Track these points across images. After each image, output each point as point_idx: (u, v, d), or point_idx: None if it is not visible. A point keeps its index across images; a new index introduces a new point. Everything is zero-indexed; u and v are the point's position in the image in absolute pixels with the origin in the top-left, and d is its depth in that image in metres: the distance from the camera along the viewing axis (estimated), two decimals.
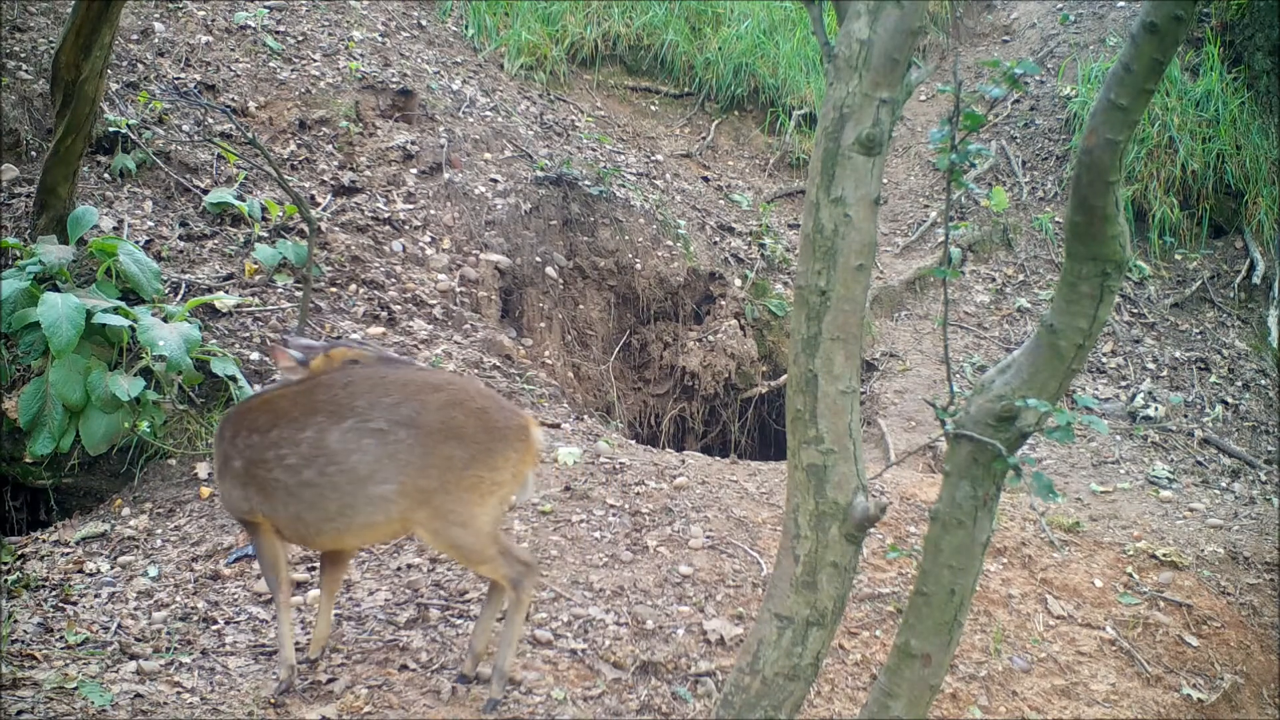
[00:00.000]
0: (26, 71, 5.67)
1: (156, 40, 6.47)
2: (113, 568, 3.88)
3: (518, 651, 3.45)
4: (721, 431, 7.38)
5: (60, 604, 3.61)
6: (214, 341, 4.90)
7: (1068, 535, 4.94)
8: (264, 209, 5.75)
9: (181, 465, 4.58)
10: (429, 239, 6.24)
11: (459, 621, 3.60)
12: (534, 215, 6.73)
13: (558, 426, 5.38)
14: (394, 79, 7.08)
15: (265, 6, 7.24)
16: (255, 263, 5.43)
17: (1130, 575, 4.69)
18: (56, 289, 4.56)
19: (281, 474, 2.98)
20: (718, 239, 7.61)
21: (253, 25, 6.97)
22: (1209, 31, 8.99)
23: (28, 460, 4.40)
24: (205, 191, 5.74)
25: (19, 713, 2.92)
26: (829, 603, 2.34)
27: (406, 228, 6.21)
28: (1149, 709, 4.01)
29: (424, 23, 8.23)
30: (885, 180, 8.32)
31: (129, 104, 5.92)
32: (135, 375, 4.47)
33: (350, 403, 2.99)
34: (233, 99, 6.34)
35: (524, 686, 3.29)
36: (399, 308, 5.66)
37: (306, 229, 5.16)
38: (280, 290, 5.42)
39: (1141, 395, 7.11)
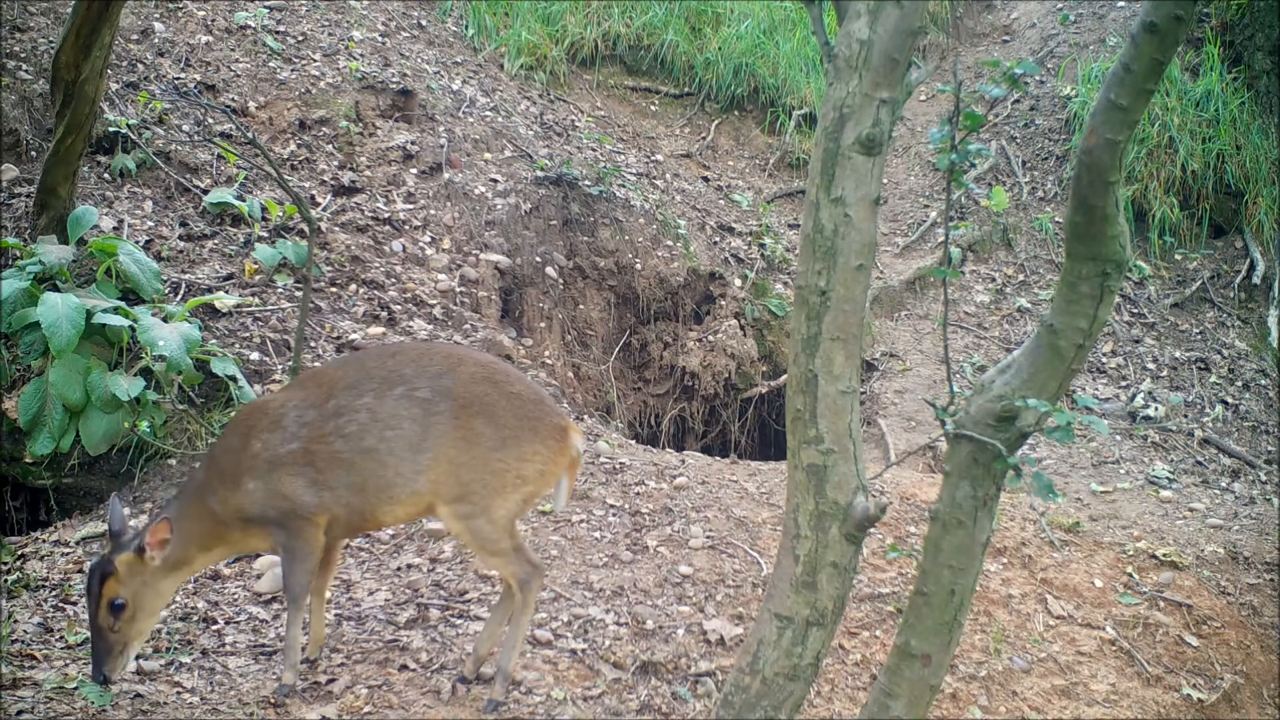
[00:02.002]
0: (26, 71, 5.67)
1: (156, 40, 6.47)
2: None
3: (498, 643, 3.46)
4: (721, 431, 7.38)
5: (60, 604, 3.61)
6: (214, 341, 4.90)
7: (1068, 535, 4.94)
8: (264, 209, 5.75)
9: (181, 465, 4.58)
10: (429, 239, 6.24)
11: (459, 621, 3.61)
12: (534, 215, 6.73)
13: None
14: (394, 79, 7.08)
15: (265, 6, 7.24)
16: (255, 263, 5.43)
17: (1130, 575, 4.69)
18: (56, 289, 4.56)
19: (342, 444, 2.98)
20: (718, 239, 7.61)
21: (253, 25, 6.97)
22: (1209, 31, 8.99)
23: (28, 460, 4.40)
24: (205, 191, 5.74)
25: (19, 713, 2.92)
26: (829, 603, 2.34)
27: (406, 228, 6.21)
28: (1149, 709, 4.01)
29: (424, 23, 8.23)
30: (885, 180, 8.33)
31: (129, 104, 5.92)
32: (135, 375, 4.47)
33: (399, 370, 3.03)
34: (233, 99, 6.34)
35: (524, 686, 3.29)
36: (399, 308, 5.66)
37: (306, 229, 5.16)
38: (280, 290, 5.42)
39: (1141, 395, 7.11)
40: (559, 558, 4.05)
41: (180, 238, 5.45)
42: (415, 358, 3.09)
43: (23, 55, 5.76)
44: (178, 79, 6.26)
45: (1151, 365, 7.46)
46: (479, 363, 3.12)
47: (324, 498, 3.01)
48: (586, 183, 7.01)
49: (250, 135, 5.43)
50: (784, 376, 6.90)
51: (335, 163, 6.41)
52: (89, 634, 2.97)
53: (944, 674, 2.37)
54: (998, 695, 3.86)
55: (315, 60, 6.98)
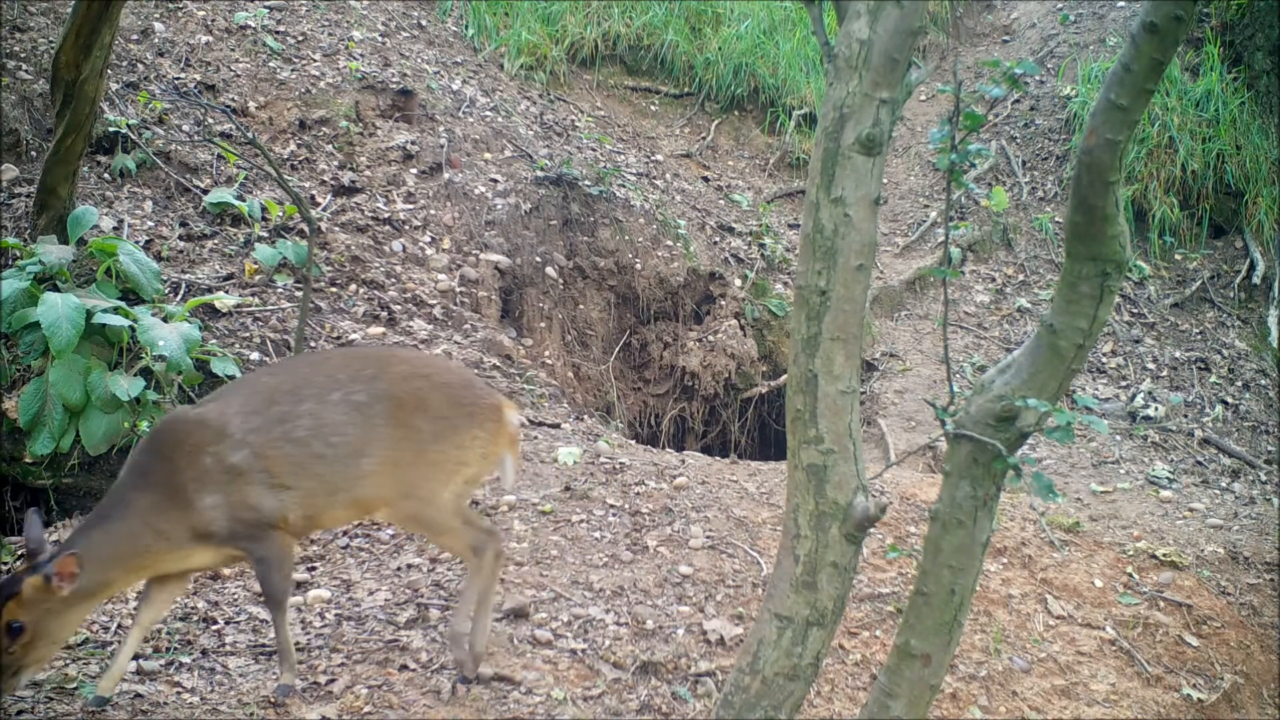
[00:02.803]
0: (26, 71, 5.67)
1: (156, 40, 6.47)
2: None
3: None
4: (721, 431, 7.38)
5: None
6: (214, 341, 4.90)
7: (1068, 535, 4.94)
8: (264, 209, 5.75)
9: None
10: (429, 239, 6.24)
11: None
12: (534, 215, 6.73)
13: (558, 426, 5.38)
14: (394, 79, 7.07)
15: (265, 6, 7.24)
16: (255, 263, 5.43)
17: (1130, 575, 4.69)
18: (56, 289, 4.56)
19: (292, 449, 2.95)
20: (718, 239, 7.61)
21: (253, 25, 6.97)
22: (1209, 31, 8.99)
23: (28, 460, 4.40)
24: (205, 191, 5.74)
25: (19, 713, 2.92)
26: (829, 603, 2.34)
27: (406, 228, 6.21)
28: (1149, 709, 4.01)
29: (424, 23, 8.23)
30: (885, 180, 8.33)
31: (129, 104, 5.92)
32: (135, 375, 4.47)
33: (334, 375, 3.02)
34: (233, 99, 6.34)
35: (524, 686, 3.29)
36: (399, 308, 5.66)
37: (306, 229, 5.16)
38: (280, 290, 5.42)
39: (1141, 395, 7.11)
40: (559, 558, 4.05)
41: (180, 238, 5.45)
42: (347, 362, 3.09)
43: (23, 55, 5.76)
44: (178, 79, 6.26)
45: (1151, 365, 7.46)
46: (407, 360, 3.15)
47: (284, 500, 2.97)
48: (586, 183, 7.01)
49: (250, 135, 5.43)
50: (784, 376, 6.90)
51: (335, 163, 6.41)
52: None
53: (944, 674, 2.37)
54: (998, 695, 3.87)
55: (315, 60, 6.98)
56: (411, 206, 6.37)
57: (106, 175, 5.59)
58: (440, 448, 3.03)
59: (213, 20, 6.87)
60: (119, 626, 3.47)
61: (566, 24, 8.72)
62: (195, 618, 3.56)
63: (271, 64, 6.75)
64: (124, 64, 6.16)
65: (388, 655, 3.37)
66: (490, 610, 3.26)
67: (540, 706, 3.21)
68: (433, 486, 3.04)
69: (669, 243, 7.20)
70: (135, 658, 3.26)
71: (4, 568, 3.83)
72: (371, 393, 2.99)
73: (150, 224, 5.44)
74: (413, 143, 6.72)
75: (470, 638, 3.22)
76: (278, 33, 7.08)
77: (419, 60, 7.58)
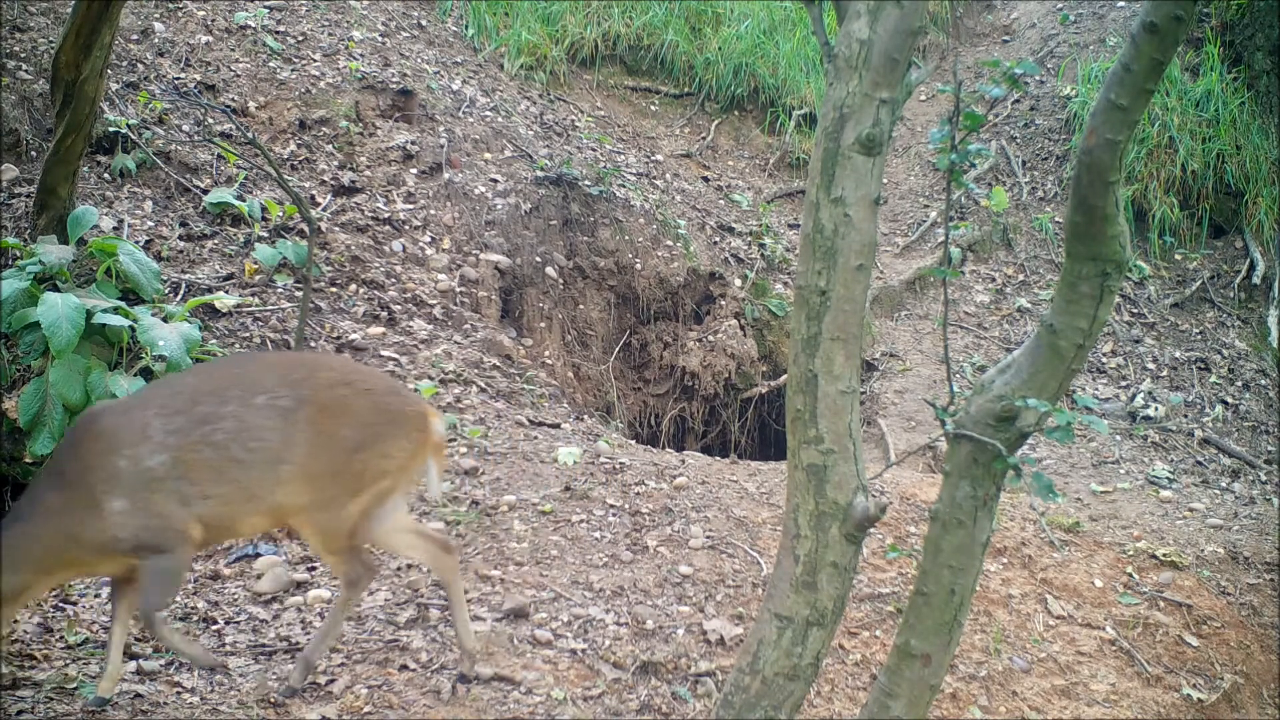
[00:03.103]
0: (26, 71, 5.67)
1: (156, 40, 6.47)
2: None
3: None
4: (721, 431, 7.38)
5: (60, 604, 3.61)
6: (214, 341, 4.90)
7: (1068, 535, 4.94)
8: (264, 209, 5.75)
9: None
10: (429, 239, 6.24)
11: None
12: (534, 215, 6.73)
13: (558, 426, 5.38)
14: (394, 79, 7.08)
15: (265, 6, 7.24)
16: (255, 263, 5.43)
17: (1130, 575, 4.69)
18: (56, 289, 4.56)
19: (212, 453, 2.83)
20: (718, 239, 7.61)
21: (253, 25, 6.97)
22: (1209, 31, 8.99)
23: (28, 460, 4.39)
24: (205, 191, 5.74)
25: (19, 713, 2.92)
26: (829, 603, 2.34)
27: (406, 228, 6.21)
28: (1149, 709, 4.01)
29: (424, 23, 8.23)
30: (885, 180, 8.34)
31: (129, 104, 5.92)
32: (135, 375, 4.47)
33: (260, 378, 2.93)
34: (233, 99, 6.34)
35: (524, 686, 3.29)
36: (399, 308, 5.66)
37: (306, 229, 5.16)
38: (280, 290, 5.42)
39: (1141, 395, 7.11)
40: (559, 558, 4.05)
41: (180, 238, 5.45)
42: (272, 365, 3.02)
43: (23, 55, 5.76)
44: (178, 79, 6.26)
45: (1151, 365, 7.46)
46: (333, 366, 3.08)
47: (198, 509, 2.85)
48: (586, 183, 7.01)
49: (250, 135, 5.43)
50: (784, 376, 6.91)
51: (335, 163, 6.41)
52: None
53: (944, 674, 2.37)
54: (998, 695, 3.87)
55: (315, 60, 6.98)
56: (411, 206, 6.37)
57: (106, 175, 5.59)
58: (363, 457, 2.94)
59: (213, 20, 6.87)
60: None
61: (566, 24, 8.72)
62: (195, 618, 3.56)
63: (271, 64, 6.75)
64: (124, 64, 6.16)
65: (388, 655, 3.37)
66: (339, 630, 3.22)
67: (540, 706, 3.21)
68: (348, 495, 2.95)
69: (669, 243, 7.20)
70: (134, 658, 3.26)
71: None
72: (296, 397, 2.90)
73: (150, 224, 5.44)
74: (413, 143, 6.72)
75: (306, 648, 3.17)
76: (278, 33, 7.08)
77: (419, 60, 7.58)
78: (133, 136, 5.72)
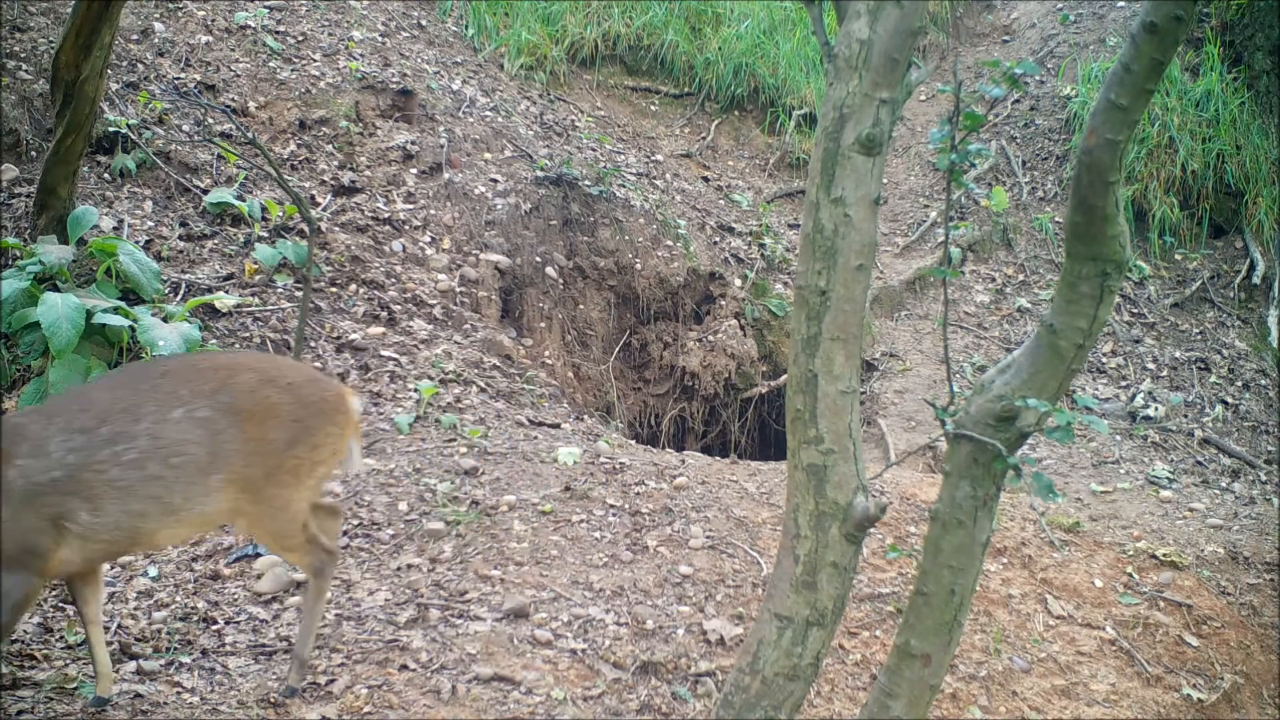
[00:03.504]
0: (26, 71, 5.67)
1: (156, 40, 6.47)
2: (112, 567, 3.88)
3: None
4: (721, 431, 7.38)
5: (60, 604, 3.61)
6: (214, 341, 4.90)
7: (1068, 535, 4.94)
8: (264, 209, 5.75)
9: None
10: (429, 239, 6.24)
11: (459, 621, 3.61)
12: (534, 215, 6.73)
13: (558, 426, 5.38)
14: (394, 79, 7.08)
15: (265, 6, 7.24)
16: (255, 263, 5.43)
17: (1130, 575, 4.69)
18: (56, 289, 4.56)
19: (120, 472, 2.76)
20: (718, 239, 7.61)
21: (253, 25, 6.98)
22: (1209, 31, 8.99)
23: None
24: (205, 191, 5.74)
25: (19, 713, 2.93)
26: (829, 603, 2.34)
27: (406, 228, 6.21)
28: (1149, 709, 4.01)
29: (424, 23, 8.23)
30: (885, 180, 8.34)
31: (129, 104, 5.92)
32: None
33: (175, 390, 2.88)
34: (233, 99, 6.34)
35: (524, 686, 3.29)
36: (399, 308, 5.66)
37: (306, 229, 5.16)
38: (280, 290, 5.42)
39: (1141, 395, 7.11)
40: (559, 558, 4.05)
41: (180, 238, 5.45)
42: (187, 376, 2.93)
43: (23, 55, 5.76)
44: (178, 79, 6.26)
45: (1151, 365, 7.46)
46: (250, 367, 3.02)
47: (89, 530, 2.75)
48: (586, 183, 7.02)
49: (250, 135, 5.43)
50: (784, 376, 6.91)
51: (335, 163, 6.41)
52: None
53: (944, 674, 2.37)
54: (998, 695, 3.87)
55: (315, 60, 6.98)
56: (411, 206, 6.37)
57: (106, 175, 5.59)
58: (296, 453, 2.95)
59: (213, 20, 6.87)
60: (119, 626, 3.47)
61: (566, 24, 8.72)
62: (195, 618, 3.56)
63: (271, 64, 6.75)
64: (124, 64, 6.16)
65: (388, 655, 3.37)
66: (319, 621, 3.22)
67: (540, 706, 3.21)
68: (289, 492, 2.97)
69: (669, 243, 7.20)
70: (134, 658, 3.26)
71: None
72: (216, 407, 2.87)
73: (150, 224, 5.44)
74: (413, 143, 6.72)
75: (295, 648, 3.18)
76: (278, 33, 7.08)
77: (419, 60, 7.58)
78: (133, 136, 5.72)
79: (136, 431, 2.80)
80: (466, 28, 8.44)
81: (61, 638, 3.40)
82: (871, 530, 2.37)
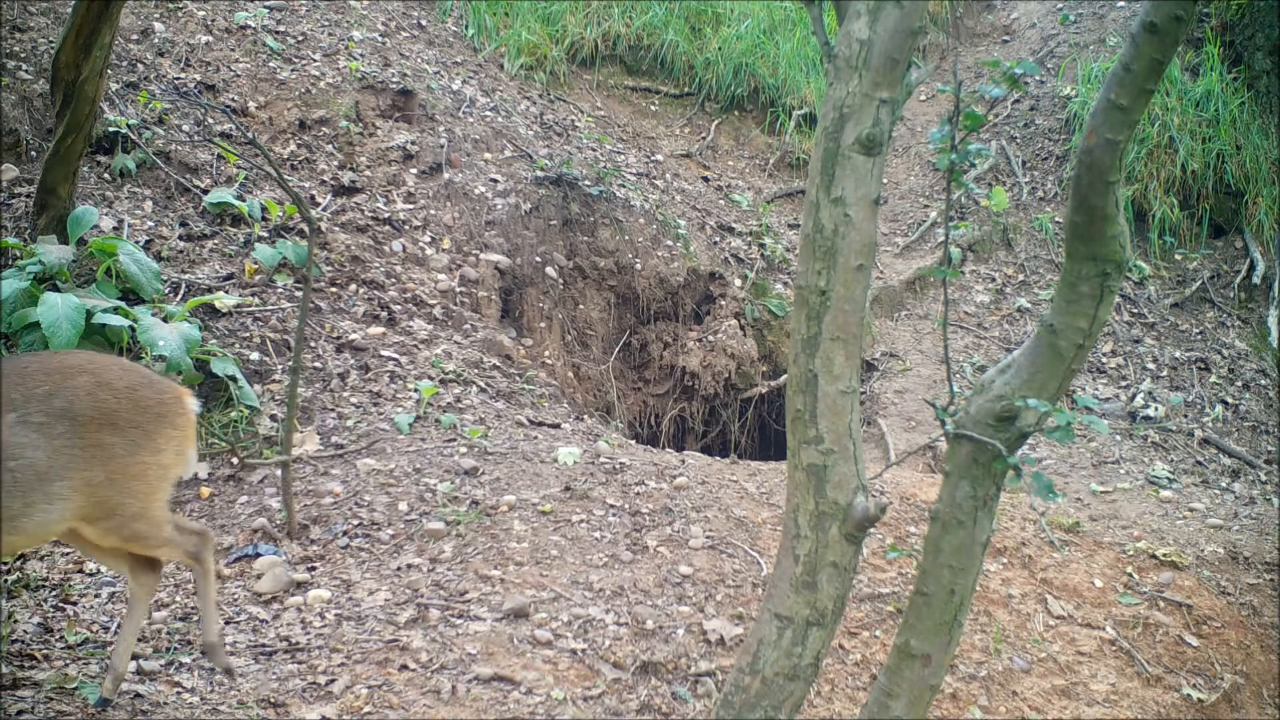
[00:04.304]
0: (26, 71, 5.68)
1: (156, 40, 6.47)
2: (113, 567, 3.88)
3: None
4: (721, 431, 7.38)
5: (60, 604, 3.61)
6: (214, 341, 4.90)
7: (1068, 535, 4.94)
8: (264, 209, 5.75)
9: None
10: (429, 239, 6.24)
11: (459, 621, 3.61)
12: (534, 215, 6.73)
13: (558, 426, 5.38)
14: (394, 79, 7.08)
15: (265, 6, 7.24)
16: (255, 263, 5.43)
17: (1130, 575, 4.69)
18: (56, 289, 4.56)
19: None
20: (718, 239, 7.61)
21: (253, 25, 6.98)
22: (1209, 31, 8.99)
23: None
24: (205, 191, 5.74)
25: (19, 713, 2.92)
26: (829, 603, 2.34)
27: (406, 228, 6.21)
28: (1149, 709, 4.01)
29: (424, 23, 8.23)
30: (885, 180, 8.34)
31: (129, 104, 5.92)
32: None
33: (8, 395, 2.78)
34: (233, 99, 6.34)
35: (524, 686, 3.29)
36: (399, 308, 5.66)
37: (306, 229, 5.16)
38: (280, 290, 5.42)
39: (1141, 395, 7.11)
40: (559, 558, 4.05)
41: (180, 238, 5.45)
42: (18, 379, 2.81)
43: (23, 55, 5.76)
44: (178, 79, 6.26)
45: (1151, 365, 7.46)
46: (84, 369, 2.90)
47: None
48: (586, 183, 7.01)
49: (250, 135, 5.43)
50: (784, 376, 6.91)
51: (335, 163, 6.41)
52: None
53: (944, 674, 2.37)
54: (998, 695, 3.87)
55: (315, 60, 6.98)
56: (411, 206, 6.37)
57: (106, 175, 5.59)
58: (139, 458, 2.87)
59: (213, 20, 6.87)
60: (119, 626, 3.47)
61: (566, 24, 8.72)
62: (195, 618, 3.56)
63: (271, 64, 6.75)
64: (124, 64, 6.16)
65: (388, 655, 3.37)
66: (215, 601, 3.17)
67: (540, 706, 3.21)
68: (140, 500, 2.89)
69: (669, 243, 7.20)
70: (135, 658, 3.26)
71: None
72: (50, 412, 2.76)
73: (150, 224, 5.44)
74: (413, 143, 6.72)
75: (204, 631, 3.15)
76: (278, 33, 7.08)
77: (419, 60, 7.58)
78: (133, 136, 5.72)
79: None
80: (466, 28, 8.44)
81: (61, 638, 3.40)
82: (871, 530, 2.37)
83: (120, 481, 2.85)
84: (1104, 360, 7.47)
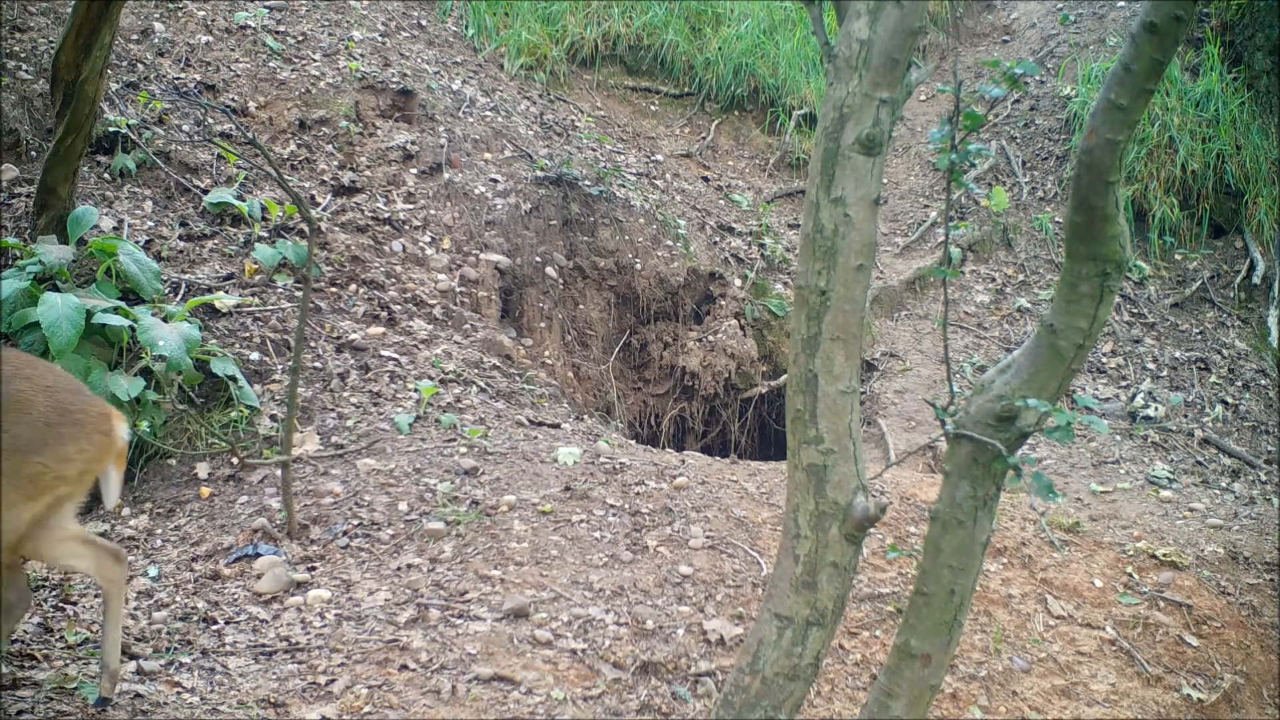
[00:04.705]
0: (26, 71, 5.67)
1: (156, 40, 6.47)
2: None
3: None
4: (721, 431, 7.38)
5: (60, 604, 3.61)
6: (214, 341, 4.90)
7: (1068, 535, 4.94)
8: (264, 209, 5.75)
9: (181, 465, 4.58)
10: (429, 239, 6.24)
11: (459, 621, 3.61)
12: (534, 215, 6.73)
13: (558, 426, 5.38)
14: (394, 79, 7.08)
15: (265, 6, 7.24)
16: (255, 263, 5.43)
17: (1130, 575, 4.69)
18: (56, 289, 4.56)
19: None
20: (718, 239, 7.61)
21: (253, 25, 6.97)
22: (1209, 31, 8.99)
23: None
24: (205, 191, 5.74)
25: (19, 713, 2.92)
26: (829, 603, 2.34)
27: (406, 228, 6.21)
28: (1149, 709, 4.01)
29: (424, 23, 8.23)
30: (885, 180, 8.33)
31: (129, 104, 5.92)
32: (135, 375, 4.47)
33: None
34: (233, 99, 6.34)
35: (524, 686, 3.29)
36: (399, 308, 5.66)
37: (306, 229, 5.16)
38: (280, 290, 5.42)
39: (1141, 395, 7.11)
40: (559, 558, 4.05)
41: (180, 238, 5.45)
42: None
43: (23, 55, 5.76)
44: (178, 79, 6.26)
45: (1151, 365, 7.46)
46: (7, 359, 2.77)
47: None
48: (586, 183, 7.01)
49: (250, 135, 5.42)
50: (784, 376, 6.91)
51: (335, 163, 6.41)
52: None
53: (944, 674, 2.37)
54: (998, 695, 3.87)
55: (315, 60, 6.98)
56: (411, 206, 6.37)
57: (106, 175, 5.59)
58: (42, 459, 2.68)
59: (213, 20, 6.87)
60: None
61: (566, 24, 8.72)
62: (195, 618, 3.57)
63: (271, 64, 6.75)
64: (124, 64, 6.16)
65: (388, 655, 3.37)
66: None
67: (540, 706, 3.21)
68: (21, 502, 2.66)
69: (669, 243, 7.20)
70: (134, 658, 3.26)
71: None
72: None
73: (150, 224, 5.44)
74: (413, 143, 6.72)
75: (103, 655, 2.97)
76: (278, 33, 7.08)
77: (419, 60, 7.58)
78: (133, 136, 5.72)
79: None
80: (466, 28, 8.44)
81: (61, 638, 3.40)
82: (871, 530, 2.37)
83: (12, 476, 2.64)
84: (1104, 360, 7.47)
